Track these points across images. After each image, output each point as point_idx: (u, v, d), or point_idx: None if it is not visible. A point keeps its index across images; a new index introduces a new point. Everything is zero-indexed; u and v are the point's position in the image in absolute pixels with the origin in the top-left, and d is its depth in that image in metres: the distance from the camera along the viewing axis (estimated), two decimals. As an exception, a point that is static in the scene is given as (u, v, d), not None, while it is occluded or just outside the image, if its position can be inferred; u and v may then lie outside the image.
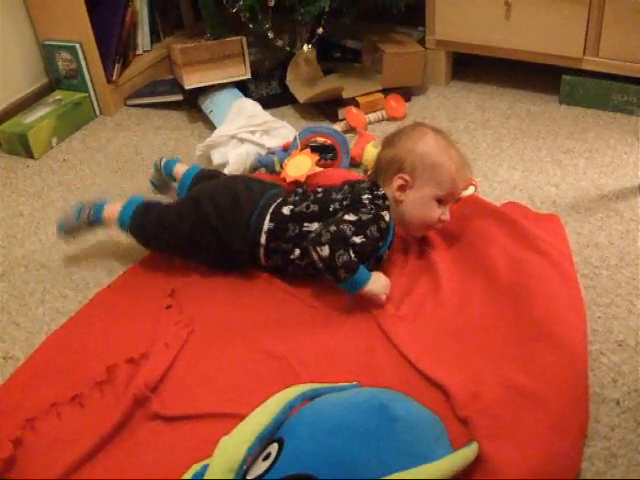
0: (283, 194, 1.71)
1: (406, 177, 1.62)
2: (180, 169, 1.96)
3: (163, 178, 2.02)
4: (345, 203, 1.61)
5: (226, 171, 2.01)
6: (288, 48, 2.47)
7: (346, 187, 1.68)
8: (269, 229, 1.62)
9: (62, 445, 1.31)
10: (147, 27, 2.74)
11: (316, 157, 1.90)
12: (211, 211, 1.64)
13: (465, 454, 1.15)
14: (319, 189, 1.71)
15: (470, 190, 1.88)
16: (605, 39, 2.20)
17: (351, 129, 2.32)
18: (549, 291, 1.50)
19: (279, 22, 2.44)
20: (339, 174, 1.88)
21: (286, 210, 1.63)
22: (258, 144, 2.10)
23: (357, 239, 1.53)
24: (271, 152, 2.07)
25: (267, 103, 2.40)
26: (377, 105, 2.40)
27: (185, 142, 2.38)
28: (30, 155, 2.35)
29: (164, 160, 2.00)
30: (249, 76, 2.48)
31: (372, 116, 2.38)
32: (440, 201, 1.63)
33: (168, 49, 2.71)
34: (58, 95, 2.53)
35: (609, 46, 2.21)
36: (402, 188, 1.63)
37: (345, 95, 2.40)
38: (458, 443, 1.19)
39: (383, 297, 1.55)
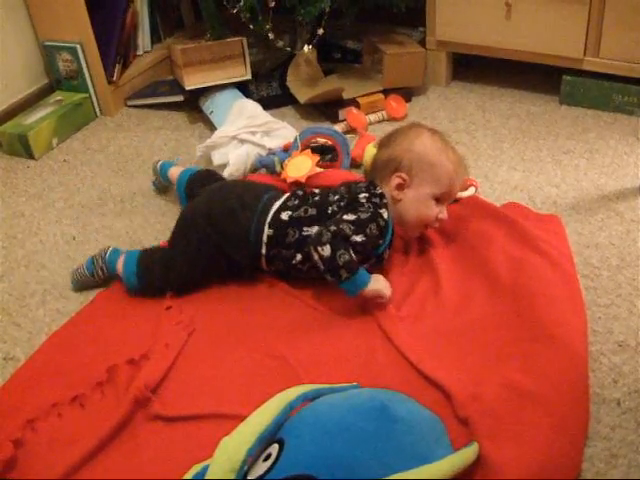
0: (278, 196, 1.69)
1: (404, 176, 1.63)
2: (175, 172, 1.96)
3: (161, 182, 2.04)
4: (342, 204, 1.61)
5: (226, 172, 2.01)
6: (289, 49, 2.47)
7: (343, 188, 1.68)
8: (269, 236, 1.62)
9: (63, 446, 1.32)
10: (148, 28, 2.75)
11: (316, 158, 1.90)
12: (211, 232, 1.63)
13: (466, 454, 1.15)
14: (317, 190, 1.71)
15: (470, 191, 1.88)
16: (605, 39, 2.20)
17: (351, 130, 2.32)
18: (549, 292, 1.50)
19: (280, 23, 2.44)
20: (339, 175, 1.88)
21: (285, 216, 1.62)
22: (259, 145, 2.10)
23: (357, 238, 1.53)
24: (271, 153, 2.06)
25: (267, 104, 2.40)
26: (377, 106, 2.41)
27: (185, 143, 2.38)
28: (31, 156, 2.35)
29: (160, 163, 2.01)
30: (249, 77, 2.48)
31: (372, 117, 2.38)
32: (438, 200, 1.64)
33: (169, 50, 2.71)
34: (58, 96, 2.53)
35: (609, 46, 2.20)
36: (400, 187, 1.64)
37: (345, 96, 2.40)
38: (458, 443, 1.19)
39: (386, 296, 1.55)
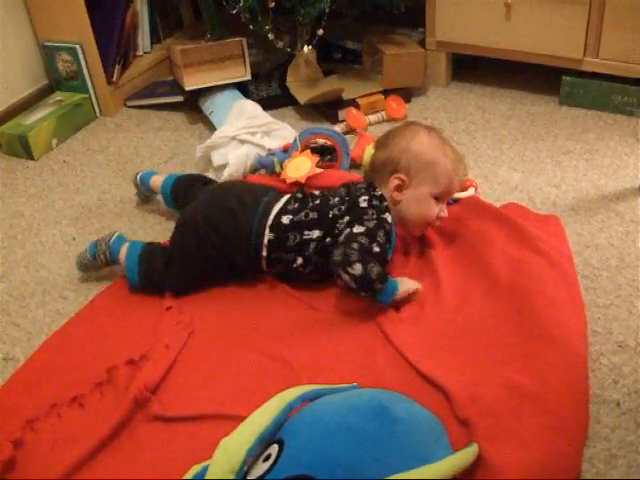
0: (278, 198, 1.69)
1: (402, 177, 1.63)
2: (156, 181, 1.95)
3: (143, 193, 2.03)
4: (343, 208, 1.61)
5: (226, 172, 2.01)
6: (288, 49, 2.47)
7: (343, 190, 1.67)
8: (269, 240, 1.62)
9: (62, 446, 1.32)
10: (147, 28, 2.75)
11: (316, 158, 1.90)
12: (212, 235, 1.63)
13: (465, 455, 1.15)
14: (317, 192, 1.71)
15: (470, 191, 1.88)
16: (605, 40, 2.20)
17: (351, 130, 2.32)
18: (549, 292, 1.50)
19: (279, 23, 2.44)
20: (339, 175, 1.88)
21: (285, 219, 1.62)
22: (258, 145, 2.10)
23: (376, 248, 1.53)
24: (271, 153, 2.06)
25: (267, 104, 2.40)
26: (377, 106, 2.41)
27: (185, 143, 2.38)
28: (30, 156, 2.35)
29: (139, 175, 2.00)
30: (249, 77, 2.48)
31: (372, 117, 2.38)
32: (437, 198, 1.64)
33: (168, 50, 2.71)
34: (58, 96, 2.54)
35: (609, 47, 2.21)
36: (399, 188, 1.64)
37: (345, 96, 2.40)
38: (458, 444, 1.20)
39: (418, 291, 1.57)
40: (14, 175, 2.29)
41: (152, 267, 1.67)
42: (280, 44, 2.44)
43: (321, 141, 2.06)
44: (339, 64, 2.67)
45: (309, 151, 1.94)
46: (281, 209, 1.64)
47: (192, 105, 2.54)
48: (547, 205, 1.90)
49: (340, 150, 2.04)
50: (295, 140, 2.02)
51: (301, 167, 1.88)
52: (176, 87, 2.57)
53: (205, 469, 1.11)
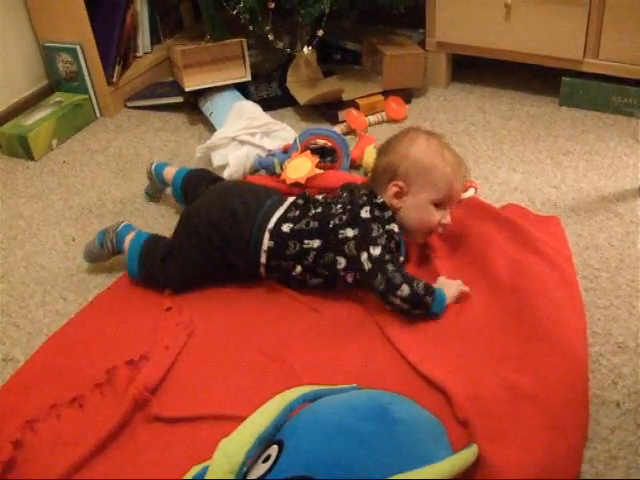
0: (281, 201, 1.68)
1: (400, 184, 1.61)
2: (169, 172, 1.96)
3: (156, 185, 2.02)
4: (345, 218, 1.59)
5: (226, 173, 2.01)
6: (288, 50, 2.47)
7: (346, 195, 1.66)
8: (269, 247, 1.61)
9: (62, 447, 1.32)
10: (147, 29, 2.74)
11: (316, 159, 1.90)
12: (213, 235, 1.63)
13: (465, 456, 1.15)
14: (320, 197, 1.70)
15: (470, 192, 1.88)
16: (605, 41, 2.20)
17: (351, 131, 2.32)
18: (549, 293, 1.50)
19: (279, 24, 2.44)
20: (339, 176, 1.88)
21: (286, 228, 1.61)
22: (258, 146, 2.10)
23: (400, 257, 1.55)
24: (271, 154, 2.06)
25: (267, 105, 2.40)
26: (377, 107, 2.41)
27: (185, 144, 2.38)
28: (30, 157, 2.35)
29: (154, 165, 2.00)
30: (249, 78, 2.48)
31: (372, 118, 2.38)
32: (439, 205, 1.62)
33: (168, 51, 2.71)
34: (58, 97, 2.54)
35: (609, 48, 2.21)
36: (398, 195, 1.62)
37: (345, 97, 2.40)
38: (458, 445, 1.20)
39: (465, 289, 1.56)
40: (14, 175, 2.29)
41: (151, 259, 1.68)
42: (280, 45, 2.44)
43: (321, 142, 2.06)
44: (339, 65, 2.67)
45: (309, 152, 1.94)
46: (281, 216, 1.63)
47: (192, 106, 2.54)
48: (547, 206, 1.90)
49: (340, 151, 2.04)
50: (295, 141, 2.02)
51: (301, 168, 1.88)
52: (176, 88, 2.57)
53: (205, 470, 1.11)
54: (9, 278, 1.83)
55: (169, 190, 1.99)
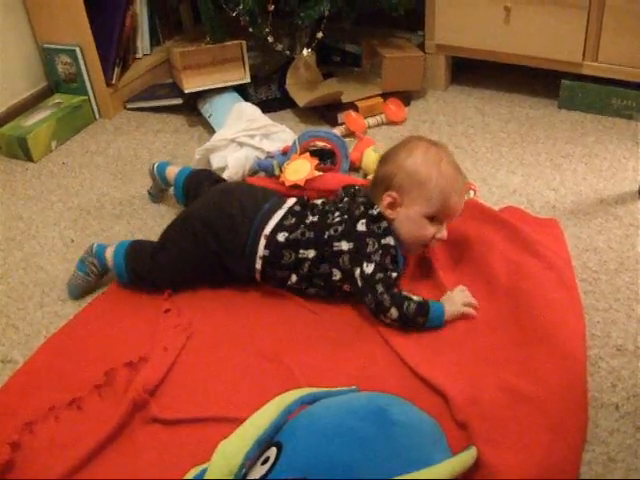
0: (279, 204, 1.68)
1: (394, 195, 1.57)
2: (172, 171, 1.95)
3: (159, 185, 2.02)
4: (340, 229, 1.57)
5: (225, 175, 2.01)
6: (288, 52, 2.48)
7: (345, 201, 1.65)
8: (264, 255, 1.61)
9: (60, 449, 1.31)
10: (147, 31, 2.75)
11: (315, 161, 1.90)
12: (210, 239, 1.63)
13: (464, 458, 1.15)
14: (318, 203, 1.69)
15: (469, 194, 1.88)
16: (604, 44, 2.20)
17: (350, 133, 2.32)
18: (548, 296, 1.50)
19: (279, 26, 2.44)
20: (338, 179, 1.87)
21: (281, 237, 1.60)
22: (257, 148, 2.10)
23: (393, 274, 1.53)
24: (270, 156, 2.06)
25: (266, 107, 2.40)
26: (376, 109, 2.41)
27: (184, 146, 2.38)
28: (29, 158, 2.35)
29: (156, 165, 1.99)
30: (249, 80, 2.48)
31: (371, 120, 2.38)
32: (433, 218, 1.57)
33: (168, 53, 2.71)
34: (58, 98, 2.53)
35: (608, 51, 2.21)
36: (391, 206, 1.58)
37: (344, 99, 2.40)
38: (457, 447, 1.19)
39: (470, 311, 1.53)
40: (13, 177, 2.29)
41: (139, 261, 1.68)
42: (279, 47, 2.44)
43: (320, 144, 2.06)
44: (338, 67, 2.67)
45: (308, 154, 1.94)
46: (277, 224, 1.62)
47: (191, 108, 2.54)
48: (546, 208, 1.91)
49: (339, 153, 2.04)
50: (294, 143, 2.02)
51: (300, 170, 1.88)
52: (175, 90, 2.57)
53: (204, 471, 1.11)
54: (8, 279, 1.82)
55: (171, 190, 1.99)
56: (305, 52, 2.43)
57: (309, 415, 1.17)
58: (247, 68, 2.46)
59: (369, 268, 1.52)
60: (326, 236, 1.58)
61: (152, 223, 1.98)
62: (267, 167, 2.02)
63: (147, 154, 2.34)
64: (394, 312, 1.49)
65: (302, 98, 2.43)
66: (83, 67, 2.50)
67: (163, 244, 1.69)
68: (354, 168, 2.10)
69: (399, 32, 2.63)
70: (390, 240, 1.56)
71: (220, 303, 1.65)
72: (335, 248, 1.56)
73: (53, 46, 2.51)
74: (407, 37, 2.61)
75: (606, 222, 1.83)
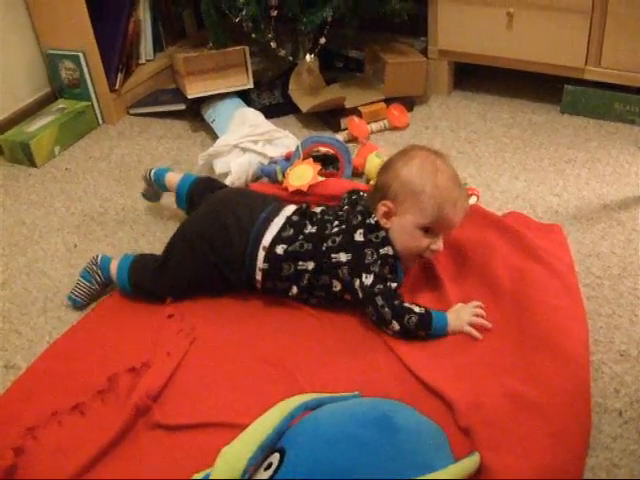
0: (278, 209, 1.67)
1: (388, 204, 1.56)
2: (172, 179, 1.92)
3: (154, 190, 1.99)
4: (338, 240, 1.57)
5: (228, 180, 2.01)
6: (291, 58, 2.48)
7: (345, 209, 1.64)
8: (264, 269, 1.60)
9: (63, 454, 1.31)
10: (150, 36, 2.75)
11: (318, 167, 1.90)
12: (208, 251, 1.62)
13: (467, 464, 1.15)
14: (317, 211, 1.68)
15: (472, 200, 1.88)
16: (607, 49, 2.21)
17: (353, 139, 2.32)
18: (551, 301, 1.50)
19: (282, 32, 2.44)
20: (341, 184, 1.88)
21: (280, 250, 1.59)
22: (260, 153, 2.10)
23: (393, 285, 1.52)
24: (273, 161, 2.07)
25: (269, 112, 2.40)
26: (379, 115, 2.41)
27: (187, 151, 2.38)
28: (33, 164, 2.35)
29: (153, 171, 1.95)
30: (251, 85, 2.48)
31: (374, 126, 2.38)
32: (428, 230, 1.55)
33: (171, 58, 2.72)
34: (61, 104, 2.54)
35: (611, 56, 2.21)
36: (386, 215, 1.57)
37: (347, 105, 2.40)
38: (460, 453, 1.19)
39: (472, 332, 1.50)
40: (16, 182, 2.29)
41: (143, 275, 1.68)
42: (282, 52, 2.44)
43: (323, 149, 2.06)
44: (341, 72, 2.67)
45: (311, 159, 1.95)
46: (276, 236, 1.61)
47: (194, 113, 2.55)
48: (549, 214, 1.90)
49: (342, 158, 2.04)
50: (297, 148, 2.03)
51: (303, 175, 1.88)
52: (178, 95, 2.57)
53: (206, 477, 1.11)
54: (11, 285, 1.83)
55: (166, 195, 1.98)
56: (308, 58, 2.43)
57: (312, 421, 1.17)
58: (250, 74, 2.46)
59: (368, 279, 1.52)
60: (324, 248, 1.57)
61: (155, 228, 1.99)
62: (270, 173, 2.02)
63: (150, 159, 2.34)
64: (396, 325, 1.49)
65: (305, 104, 2.43)
66: (86, 73, 2.50)
67: (165, 258, 1.68)
68: (357, 174, 2.10)
69: (402, 38, 2.64)
70: (389, 250, 1.55)
71: (223, 308, 1.65)
72: (334, 260, 1.56)
73: (57, 52, 2.52)
74: (410, 43, 2.61)
75: (609, 227, 1.83)
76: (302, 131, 2.41)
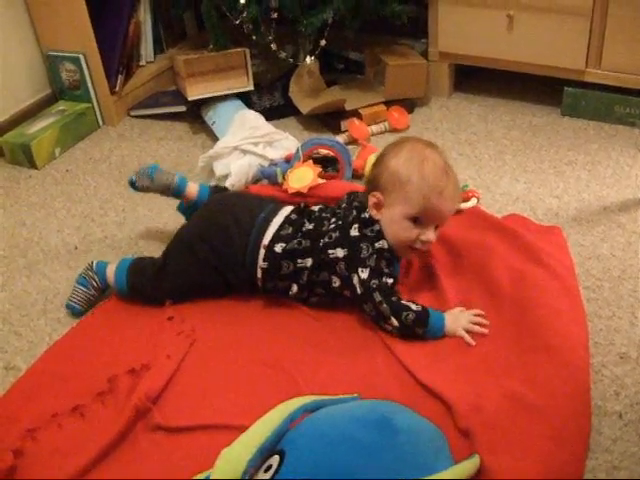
0: (276, 210, 1.67)
1: (378, 195, 1.56)
2: (192, 190, 1.84)
3: (153, 186, 1.86)
4: (334, 236, 1.57)
5: (228, 182, 2.01)
6: (291, 60, 2.48)
7: (344, 207, 1.64)
8: (263, 268, 1.60)
9: (63, 456, 1.31)
10: (150, 38, 2.75)
11: (318, 169, 1.90)
12: (208, 253, 1.63)
13: (467, 466, 1.15)
14: (315, 209, 1.68)
15: (472, 202, 1.88)
16: (607, 51, 2.21)
17: (354, 141, 2.32)
18: (551, 303, 1.50)
19: (282, 34, 2.45)
20: (341, 186, 1.87)
21: (278, 248, 1.59)
22: (260, 155, 2.10)
23: (389, 280, 1.52)
24: (273, 164, 2.07)
25: (270, 115, 2.40)
26: (380, 117, 2.41)
27: (188, 153, 2.38)
28: (33, 165, 2.35)
29: (176, 179, 1.83)
30: (252, 87, 2.48)
31: (375, 128, 2.38)
32: (416, 220, 1.53)
33: (171, 60, 2.72)
34: (61, 106, 2.54)
35: (611, 58, 2.21)
36: (376, 206, 1.57)
37: (348, 107, 2.40)
38: (459, 455, 1.19)
39: (466, 338, 1.49)
40: (17, 184, 2.29)
41: (141, 278, 1.67)
42: (283, 55, 2.44)
43: (323, 151, 2.06)
44: (342, 75, 2.67)
45: (311, 161, 1.94)
46: (275, 235, 1.61)
47: (195, 115, 2.55)
48: (549, 216, 1.90)
49: (342, 160, 2.04)
50: (297, 150, 2.02)
51: (303, 177, 1.88)
52: (179, 97, 2.57)
53: (206, 479, 1.11)
54: (11, 286, 1.83)
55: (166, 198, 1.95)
56: (308, 60, 2.44)
57: (312, 423, 1.17)
58: (250, 76, 2.46)
59: (364, 274, 1.52)
60: (321, 244, 1.58)
61: (155, 230, 1.99)
62: (270, 175, 2.02)
63: (150, 161, 2.34)
64: (394, 321, 1.49)
65: (305, 106, 2.43)
66: (87, 74, 2.50)
67: (164, 263, 1.68)
68: (357, 175, 2.10)
69: (402, 40, 2.64)
70: (384, 243, 1.55)
71: (223, 310, 1.65)
72: (331, 255, 1.56)
73: (57, 53, 2.52)
74: (410, 45, 2.61)
75: (609, 229, 1.83)
76: (302, 133, 2.42)
